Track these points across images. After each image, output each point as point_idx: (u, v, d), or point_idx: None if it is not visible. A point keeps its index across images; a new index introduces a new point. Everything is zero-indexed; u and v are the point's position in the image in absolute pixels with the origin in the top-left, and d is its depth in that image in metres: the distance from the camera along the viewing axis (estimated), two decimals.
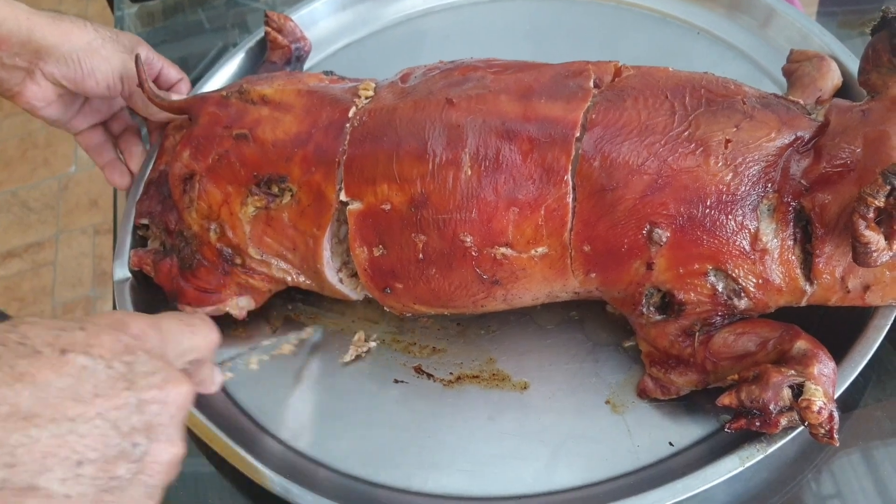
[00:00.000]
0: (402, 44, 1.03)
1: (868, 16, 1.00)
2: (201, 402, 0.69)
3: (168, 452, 0.46)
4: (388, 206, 0.69)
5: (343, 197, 0.71)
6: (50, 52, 0.77)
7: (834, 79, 0.83)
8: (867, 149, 0.59)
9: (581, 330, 0.76)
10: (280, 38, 0.98)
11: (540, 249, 0.67)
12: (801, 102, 0.67)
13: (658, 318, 0.68)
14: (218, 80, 0.97)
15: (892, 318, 0.66)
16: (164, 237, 0.82)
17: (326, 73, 0.92)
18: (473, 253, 0.68)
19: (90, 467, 0.42)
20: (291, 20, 1.00)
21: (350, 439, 0.73)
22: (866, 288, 0.62)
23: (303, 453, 0.72)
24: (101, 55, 0.79)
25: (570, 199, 0.66)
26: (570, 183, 0.66)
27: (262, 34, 1.00)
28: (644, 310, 0.68)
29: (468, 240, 0.68)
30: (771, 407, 0.60)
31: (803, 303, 0.65)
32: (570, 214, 0.66)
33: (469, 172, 0.67)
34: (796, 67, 0.83)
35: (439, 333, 0.78)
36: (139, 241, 0.85)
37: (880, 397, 0.70)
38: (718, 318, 0.66)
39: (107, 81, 0.80)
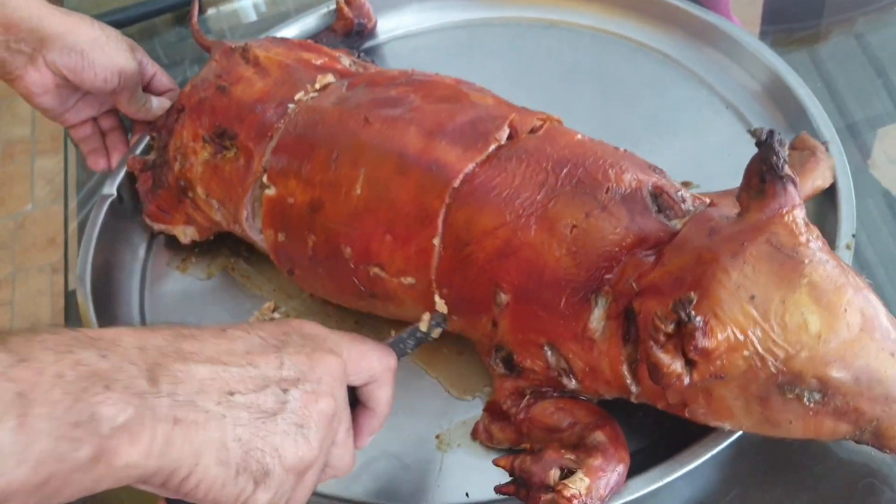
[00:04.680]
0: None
1: (797, 34, 1.00)
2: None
3: (316, 402, 0.53)
4: (292, 201, 0.75)
5: (265, 180, 0.77)
6: (55, 41, 0.81)
7: (816, 180, 0.79)
8: (696, 269, 0.57)
9: (458, 366, 0.78)
10: (346, 9, 1.03)
11: (408, 279, 0.70)
12: (684, 205, 0.65)
13: (502, 371, 0.70)
14: (287, 32, 1.04)
15: (722, 444, 0.65)
16: (158, 153, 0.91)
17: (353, 52, 0.96)
18: (352, 265, 0.72)
19: (241, 397, 0.49)
20: None
21: None
22: (684, 405, 0.62)
23: None
24: (105, 50, 0.84)
25: (437, 242, 0.68)
26: (440, 228, 0.68)
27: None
28: (492, 361, 0.70)
29: (347, 251, 0.72)
30: (535, 481, 0.61)
31: (633, 400, 0.65)
32: (435, 256, 0.68)
33: (360, 192, 0.71)
34: (791, 155, 0.80)
35: (335, 325, 0.81)
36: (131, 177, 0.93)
37: None
38: (549, 389, 0.67)
39: (105, 75, 0.84)
